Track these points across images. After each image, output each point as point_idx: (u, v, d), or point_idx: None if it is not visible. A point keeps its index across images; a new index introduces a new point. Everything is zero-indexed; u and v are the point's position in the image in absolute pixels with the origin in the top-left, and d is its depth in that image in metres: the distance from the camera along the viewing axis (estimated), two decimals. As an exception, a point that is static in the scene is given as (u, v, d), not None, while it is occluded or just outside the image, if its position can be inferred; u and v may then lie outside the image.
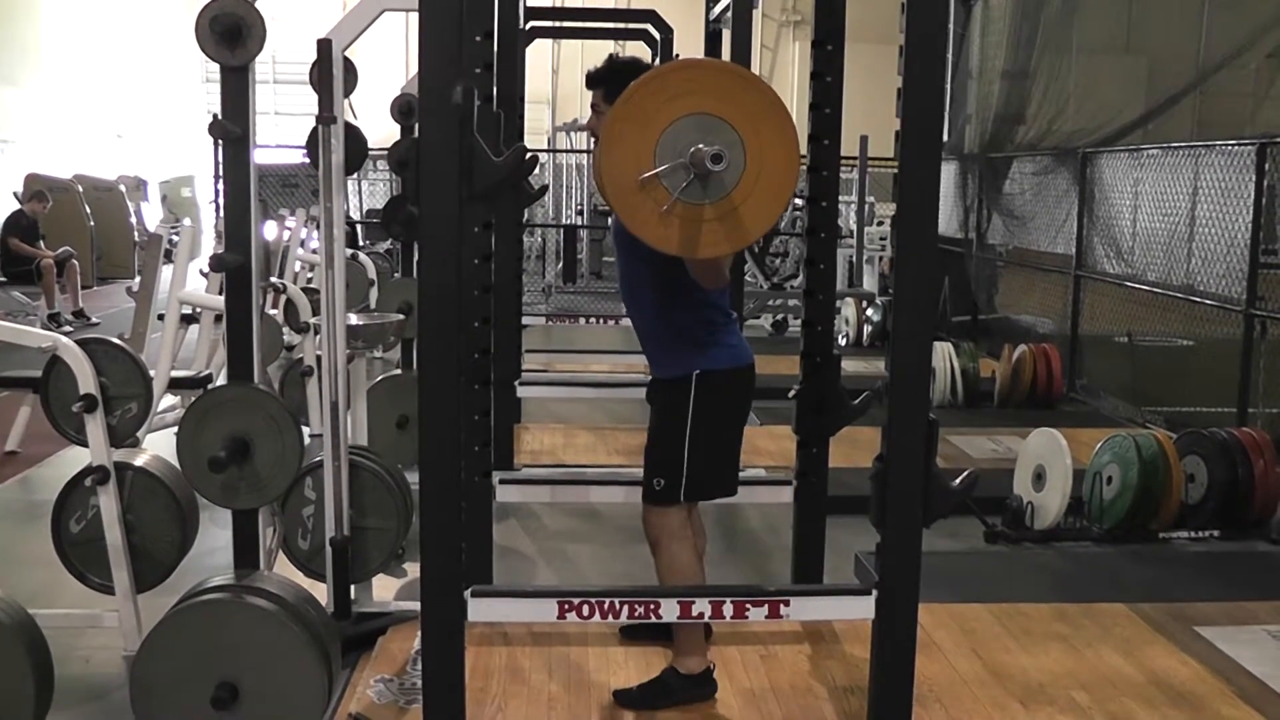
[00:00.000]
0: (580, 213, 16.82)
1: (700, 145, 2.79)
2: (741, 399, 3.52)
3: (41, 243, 12.28)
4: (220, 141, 3.28)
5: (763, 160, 2.85)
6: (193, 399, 4.20)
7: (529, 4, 7.55)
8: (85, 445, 3.71)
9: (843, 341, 10.56)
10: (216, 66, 3.23)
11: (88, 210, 14.78)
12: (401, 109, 5.44)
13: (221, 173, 3.40)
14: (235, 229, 3.30)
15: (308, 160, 3.79)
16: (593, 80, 3.51)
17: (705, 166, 2.76)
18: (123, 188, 16.54)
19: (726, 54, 5.70)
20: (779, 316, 11.29)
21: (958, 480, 3.06)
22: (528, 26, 7.61)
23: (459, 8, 2.64)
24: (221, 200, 3.59)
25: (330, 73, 3.60)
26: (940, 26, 2.76)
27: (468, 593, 2.92)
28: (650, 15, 7.88)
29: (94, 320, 11.74)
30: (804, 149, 3.93)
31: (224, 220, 3.41)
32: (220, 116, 3.22)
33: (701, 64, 3.20)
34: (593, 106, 3.50)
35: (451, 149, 2.64)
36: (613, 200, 2.92)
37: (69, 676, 3.56)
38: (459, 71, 2.66)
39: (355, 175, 15.25)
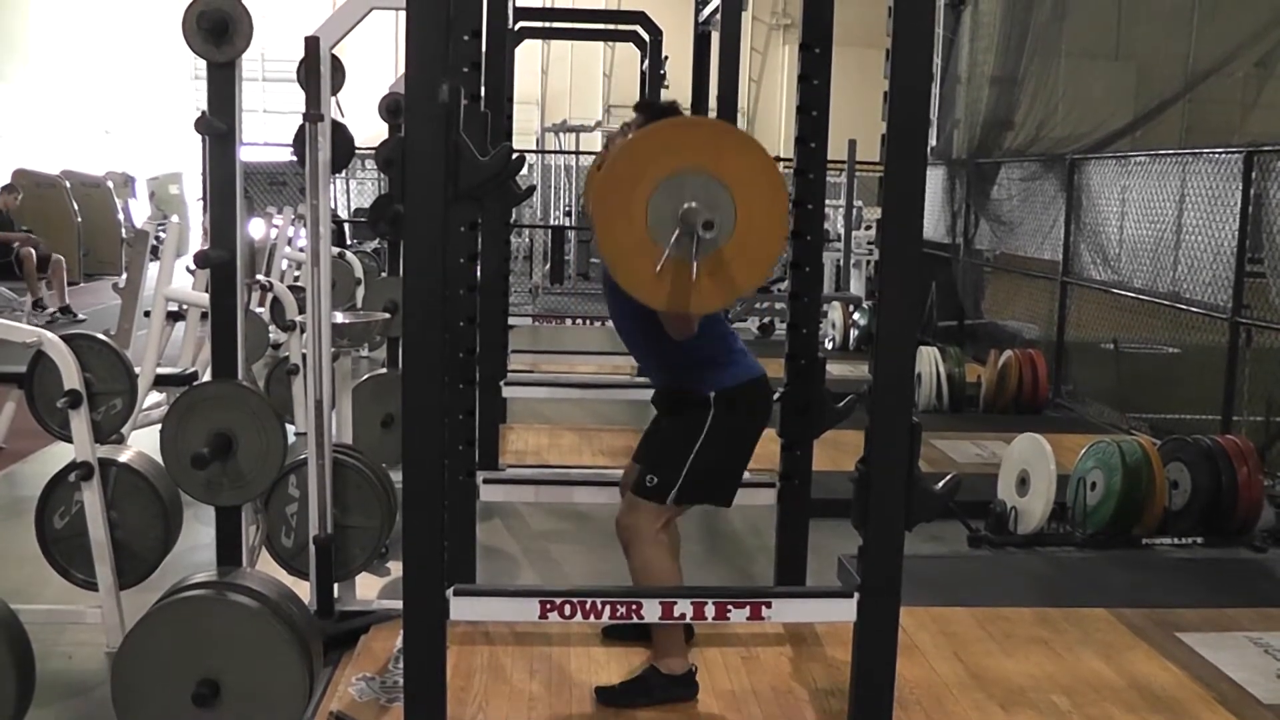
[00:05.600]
0: (568, 214, 16.83)
1: (691, 204, 2.80)
2: (760, 414, 3.54)
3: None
4: (206, 138, 3.27)
5: (752, 211, 2.85)
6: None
7: (518, 4, 7.55)
8: (70, 441, 3.70)
9: (829, 345, 10.56)
10: (207, 73, 3.24)
11: (75, 206, 14.75)
12: (389, 108, 5.45)
13: (208, 170, 3.40)
14: (220, 225, 3.31)
15: (295, 158, 3.78)
16: (645, 106, 3.54)
17: (696, 231, 2.76)
18: (110, 184, 16.51)
19: (715, 56, 5.72)
20: (766, 319, 11.31)
21: (940, 484, 3.06)
22: (517, 27, 7.61)
23: (446, 7, 2.64)
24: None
25: (318, 70, 3.60)
26: (926, 29, 2.77)
27: (450, 591, 2.92)
28: (639, 16, 7.90)
29: (80, 317, 11.70)
30: (792, 152, 3.95)
31: (209, 217, 3.41)
32: (207, 112, 3.22)
33: (681, 121, 3.21)
34: (627, 125, 3.51)
35: (437, 148, 2.64)
36: (610, 263, 2.94)
37: (51, 672, 3.55)
38: (446, 70, 2.66)
39: (343, 174, 15.26)
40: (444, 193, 2.67)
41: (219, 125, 3.22)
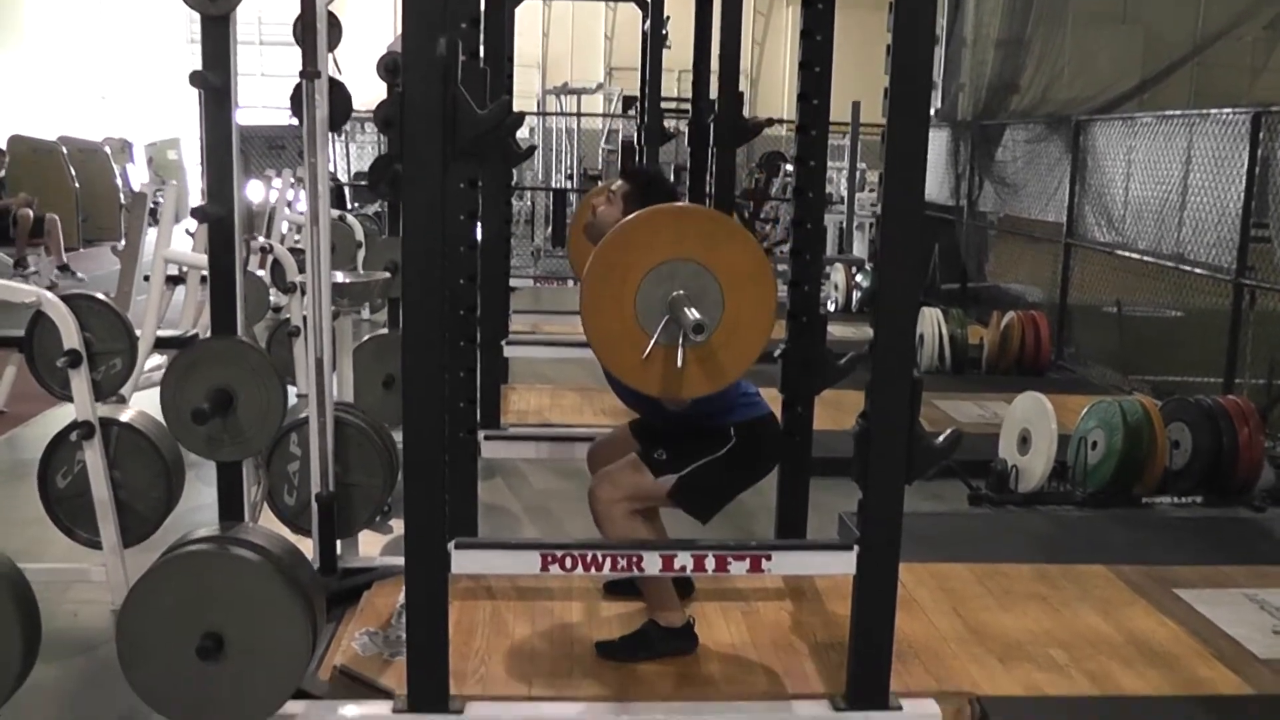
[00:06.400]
0: (570, 177, 16.78)
1: (679, 292, 2.83)
2: (770, 459, 3.57)
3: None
4: (202, 94, 3.25)
5: (740, 302, 2.88)
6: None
7: (519, -36, 7.48)
8: (70, 401, 3.71)
9: (831, 307, 10.56)
10: (201, 27, 3.21)
11: (73, 172, 14.69)
12: (388, 67, 5.39)
13: (204, 126, 3.38)
14: (217, 181, 3.29)
15: (294, 121, 3.76)
16: (631, 174, 3.53)
17: (684, 326, 2.78)
18: (108, 149, 16.44)
19: (717, 18, 5.67)
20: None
21: (940, 438, 3.06)
22: (517, -13, 7.55)
23: (444, -41, 2.63)
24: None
25: (314, 26, 3.57)
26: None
27: (452, 544, 2.93)
28: (641, -23, 7.82)
29: (80, 275, 11.71)
30: (794, 111, 3.93)
31: (206, 173, 3.39)
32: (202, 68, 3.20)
33: (673, 210, 3.17)
34: (612, 190, 3.49)
35: (435, 101, 2.63)
36: (597, 349, 2.94)
37: (56, 630, 3.57)
38: (443, 26, 2.64)
39: (343, 137, 15.19)
40: (443, 147, 2.66)
41: (214, 80, 3.20)
